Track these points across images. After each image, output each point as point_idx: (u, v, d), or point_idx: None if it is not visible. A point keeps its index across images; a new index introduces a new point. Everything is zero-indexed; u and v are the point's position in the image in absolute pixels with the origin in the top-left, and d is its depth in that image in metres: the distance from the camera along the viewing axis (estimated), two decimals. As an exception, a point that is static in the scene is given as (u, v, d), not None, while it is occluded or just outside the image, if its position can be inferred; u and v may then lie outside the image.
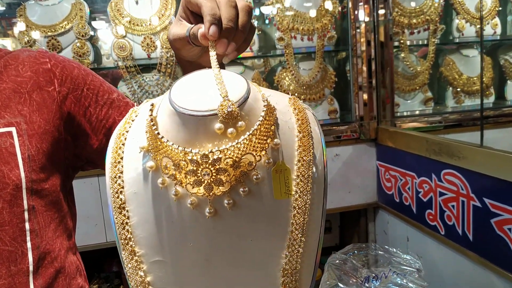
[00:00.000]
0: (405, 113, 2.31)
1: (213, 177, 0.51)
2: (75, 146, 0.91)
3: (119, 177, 0.55)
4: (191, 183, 0.51)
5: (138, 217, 0.54)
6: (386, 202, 2.06)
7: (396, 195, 1.95)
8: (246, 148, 0.51)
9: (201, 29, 0.57)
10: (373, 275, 0.96)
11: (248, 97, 0.53)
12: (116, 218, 0.54)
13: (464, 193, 1.49)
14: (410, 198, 1.83)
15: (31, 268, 0.83)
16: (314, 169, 0.55)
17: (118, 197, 0.55)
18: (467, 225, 1.49)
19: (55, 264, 0.87)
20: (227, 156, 0.50)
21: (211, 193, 0.51)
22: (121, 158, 0.56)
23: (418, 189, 1.76)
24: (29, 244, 0.83)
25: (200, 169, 0.50)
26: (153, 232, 0.54)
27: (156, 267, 0.54)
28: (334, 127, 2.10)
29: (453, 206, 1.56)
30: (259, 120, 0.52)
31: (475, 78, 2.40)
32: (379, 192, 2.11)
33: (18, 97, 0.85)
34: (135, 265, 0.54)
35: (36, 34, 1.92)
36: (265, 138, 0.52)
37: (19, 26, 1.91)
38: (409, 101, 2.35)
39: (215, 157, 0.50)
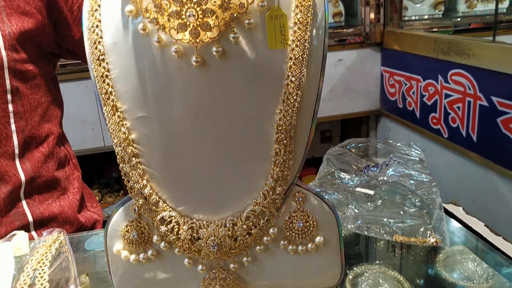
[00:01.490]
0: (413, 17, 2.20)
1: (199, 19, 0.45)
2: (56, 34, 0.86)
3: (97, 26, 0.50)
4: (175, 27, 0.46)
5: (119, 70, 0.49)
6: (389, 109, 2.01)
7: (400, 100, 1.90)
8: (236, -15, 0.45)
9: None
10: (373, 164, 0.94)
11: None
12: (96, 71, 0.50)
13: (471, 93, 1.43)
14: (414, 102, 1.78)
15: (16, 151, 0.81)
16: (314, 32, 0.49)
17: (96, 48, 0.49)
18: (472, 126, 1.46)
19: (42, 149, 0.85)
20: (214, -6, 0.44)
21: (197, 40, 0.46)
22: (99, 6, 0.50)
23: (423, 92, 1.71)
24: (13, 127, 0.80)
25: (184, 10, 0.45)
26: (135, 86, 0.49)
27: (141, 124, 0.50)
28: (338, 30, 2.00)
29: (458, 107, 1.51)
30: (251, -46, 0.46)
31: (489, -19, 2.26)
32: (382, 98, 2.05)
33: (-6, -27, 0.79)
34: (118, 121, 0.49)
35: None
36: (258, -24, 0.46)
37: None
38: (418, 5, 2.23)
39: (201, -6, 0.44)
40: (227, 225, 0.51)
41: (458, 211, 0.79)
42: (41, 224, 0.84)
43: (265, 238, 0.52)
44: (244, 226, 0.51)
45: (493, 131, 1.36)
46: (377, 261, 0.70)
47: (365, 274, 0.70)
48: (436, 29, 2.06)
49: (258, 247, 0.52)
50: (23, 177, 0.81)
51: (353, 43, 1.99)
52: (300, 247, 0.52)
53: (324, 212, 0.53)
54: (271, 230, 0.51)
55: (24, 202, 0.83)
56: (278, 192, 0.50)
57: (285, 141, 0.49)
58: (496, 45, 1.33)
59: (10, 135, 0.80)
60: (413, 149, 0.98)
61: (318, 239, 0.52)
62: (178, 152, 0.50)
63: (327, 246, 0.53)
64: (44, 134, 0.86)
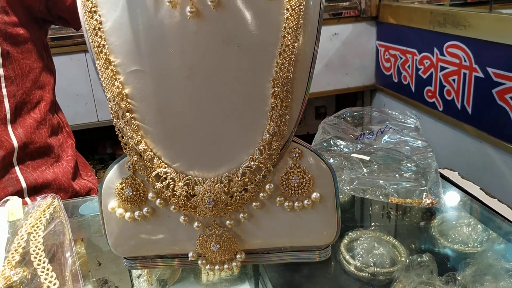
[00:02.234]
0: (409, -9, 2.17)
1: (194, -32, 0.44)
2: (47, 0, 0.84)
3: (88, -24, 0.48)
4: (169, -24, 0.45)
5: (111, 22, 0.48)
6: (384, 83, 2.01)
7: (395, 75, 1.89)
8: None
9: None
10: (369, 131, 0.93)
11: None
12: (88, 24, 0.48)
13: (466, 65, 1.43)
14: (410, 76, 1.77)
15: (8, 116, 0.80)
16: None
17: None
18: (467, 98, 1.45)
19: (34, 115, 0.84)
20: None
21: (192, -10, 0.45)
22: (90, -44, 0.49)
23: (418, 66, 1.70)
24: (4, 91, 0.79)
25: (178, -43, 0.44)
26: (129, 39, 0.48)
27: (134, 78, 0.49)
28: (333, 4, 1.98)
29: (453, 80, 1.51)
30: None
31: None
32: (377, 73, 2.04)
33: None
34: (111, 75, 0.48)
35: None
36: None
37: None
38: (414, -21, 2.20)
39: None
40: (223, 181, 0.50)
41: (453, 175, 0.79)
42: (35, 190, 0.84)
43: (261, 194, 0.51)
44: (240, 182, 0.50)
45: (488, 102, 1.36)
46: (373, 223, 0.70)
47: (361, 238, 0.70)
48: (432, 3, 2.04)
49: (254, 204, 0.51)
50: (15, 143, 0.80)
51: (348, 17, 1.97)
52: (296, 204, 0.52)
53: (320, 168, 0.52)
54: (267, 186, 0.51)
55: (17, 168, 0.82)
56: (274, 147, 0.49)
57: (281, 95, 0.48)
58: (492, 15, 1.32)
59: (1, 99, 0.79)
60: (408, 117, 0.98)
61: (314, 195, 0.52)
62: (172, 107, 0.49)
63: (323, 203, 0.53)
64: (36, 100, 0.85)
